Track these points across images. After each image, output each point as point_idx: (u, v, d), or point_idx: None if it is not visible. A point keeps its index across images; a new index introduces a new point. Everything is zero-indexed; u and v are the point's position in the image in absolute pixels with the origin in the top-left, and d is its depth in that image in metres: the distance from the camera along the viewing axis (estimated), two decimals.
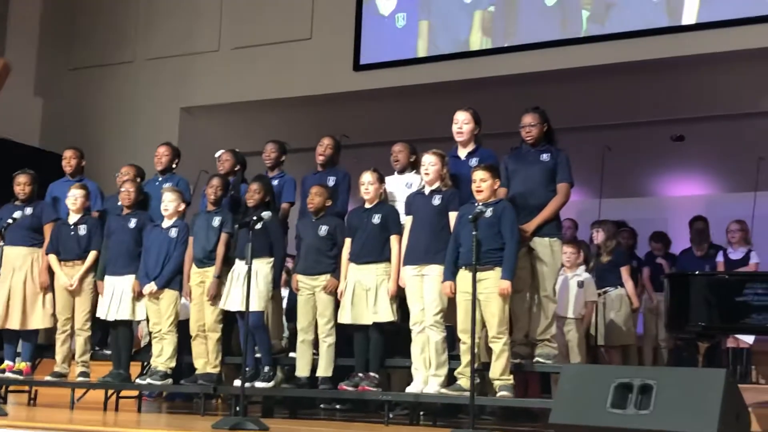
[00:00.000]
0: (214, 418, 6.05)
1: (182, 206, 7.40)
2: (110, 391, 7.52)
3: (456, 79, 10.32)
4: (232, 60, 11.63)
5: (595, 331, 8.02)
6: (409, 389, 6.27)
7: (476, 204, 6.00)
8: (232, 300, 6.84)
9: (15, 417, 6.18)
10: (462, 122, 6.60)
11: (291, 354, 7.05)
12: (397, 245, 6.49)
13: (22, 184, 7.79)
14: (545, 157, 6.34)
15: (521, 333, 6.29)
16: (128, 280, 7.33)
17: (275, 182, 7.35)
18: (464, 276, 5.94)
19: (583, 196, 10.83)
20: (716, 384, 4.38)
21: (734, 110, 10.27)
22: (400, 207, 6.68)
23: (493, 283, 5.92)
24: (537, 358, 6.21)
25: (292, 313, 7.28)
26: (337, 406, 7.83)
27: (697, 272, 7.59)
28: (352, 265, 6.60)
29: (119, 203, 7.60)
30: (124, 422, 6.40)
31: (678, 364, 8.30)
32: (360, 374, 6.49)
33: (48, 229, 7.74)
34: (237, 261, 6.91)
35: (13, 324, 7.62)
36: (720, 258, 8.66)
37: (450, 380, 6.14)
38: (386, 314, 6.44)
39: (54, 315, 7.66)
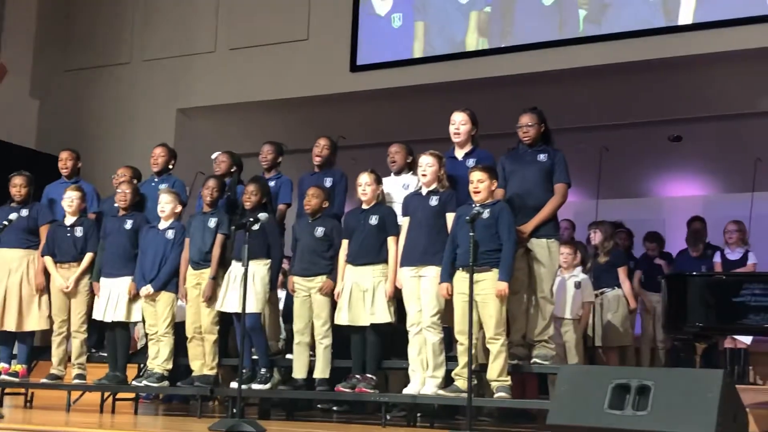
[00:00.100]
0: (210, 420, 6.04)
1: (179, 208, 7.39)
2: (106, 393, 7.50)
3: (453, 80, 10.31)
4: (229, 61, 11.62)
5: (593, 332, 8.02)
6: (406, 391, 6.26)
7: (473, 205, 5.99)
8: (229, 301, 6.83)
9: (11, 419, 6.16)
10: (459, 123, 6.59)
11: (288, 356, 7.04)
12: (394, 246, 6.48)
13: (17, 185, 7.78)
14: (542, 157, 6.34)
15: (519, 334, 6.29)
16: (124, 282, 7.31)
17: (272, 183, 7.34)
18: (461, 277, 5.93)
19: (580, 196, 10.83)
20: (714, 385, 4.37)
21: (731, 111, 10.28)
22: (397, 208, 6.67)
23: (490, 284, 5.91)
24: (534, 359, 6.20)
25: (289, 314, 7.26)
26: (334, 408, 7.82)
27: (694, 273, 7.58)
28: (349, 266, 6.58)
29: (116, 205, 7.59)
30: (120, 424, 6.38)
31: (675, 365, 8.28)
32: (357, 376, 6.48)
33: (44, 230, 7.73)
34: (233, 262, 6.89)
35: (9, 326, 7.60)
36: (717, 258, 8.66)
37: (447, 381, 6.13)
38: (383, 315, 6.43)
39: (50, 317, 7.64)
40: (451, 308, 6.10)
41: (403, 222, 6.48)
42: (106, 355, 7.56)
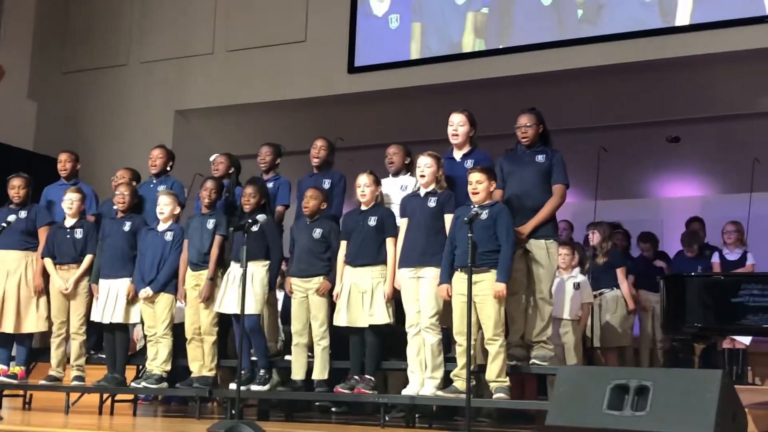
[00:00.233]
0: (209, 422, 6.03)
1: (177, 209, 7.39)
2: (105, 395, 7.49)
3: (451, 81, 10.32)
4: (227, 63, 11.63)
5: (591, 332, 8.02)
6: (405, 392, 6.26)
7: (472, 206, 5.99)
8: (228, 302, 6.82)
9: (10, 421, 6.16)
10: (457, 124, 6.59)
11: (287, 357, 7.04)
12: (393, 247, 6.48)
13: (16, 187, 7.77)
14: (540, 158, 6.34)
15: (517, 335, 6.29)
16: (123, 283, 7.30)
17: (270, 185, 7.34)
18: (460, 278, 5.93)
19: (578, 197, 10.84)
20: (713, 385, 4.37)
21: (729, 111, 10.29)
22: (395, 209, 6.67)
23: (488, 285, 5.91)
24: (533, 360, 6.20)
25: (287, 316, 7.26)
26: (333, 409, 7.82)
27: (693, 273, 7.58)
28: (348, 267, 6.58)
29: (114, 207, 7.58)
30: (119, 426, 6.38)
31: (674, 366, 8.29)
32: (356, 377, 6.48)
33: (42, 232, 7.72)
34: (232, 263, 6.89)
35: (7, 328, 7.59)
36: (716, 259, 8.67)
37: (446, 382, 6.12)
38: (382, 317, 6.43)
39: (48, 319, 7.64)
40: (449, 309, 6.10)
41: (402, 223, 6.48)
42: (104, 356, 7.55)
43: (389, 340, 6.61)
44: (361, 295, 6.48)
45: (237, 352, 6.63)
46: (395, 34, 10.80)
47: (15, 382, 7.61)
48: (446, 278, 6.06)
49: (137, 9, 12.31)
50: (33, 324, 7.66)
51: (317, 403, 7.75)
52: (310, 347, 6.80)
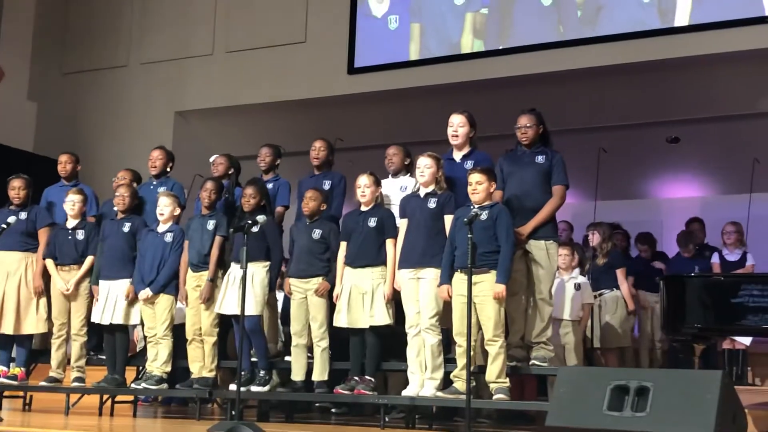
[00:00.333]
0: (209, 423, 6.03)
1: (177, 210, 7.39)
2: (105, 396, 7.49)
3: (451, 82, 10.32)
4: (227, 64, 11.63)
5: (591, 333, 8.01)
6: (405, 392, 6.26)
7: (472, 207, 5.99)
8: (228, 303, 6.82)
9: (10, 422, 6.16)
10: (457, 125, 6.59)
11: (287, 358, 7.04)
12: (392, 248, 6.48)
13: (16, 188, 7.77)
14: (540, 159, 6.33)
15: (517, 336, 6.29)
16: (123, 285, 7.31)
17: (270, 186, 7.34)
18: (460, 279, 5.93)
19: (578, 198, 10.84)
20: (713, 386, 4.37)
21: (729, 112, 10.29)
22: (395, 210, 6.67)
23: (488, 286, 5.91)
24: (533, 361, 6.20)
25: (287, 316, 7.26)
26: (333, 410, 7.82)
27: (693, 274, 7.58)
28: (348, 268, 6.58)
29: (115, 208, 7.59)
30: (119, 427, 6.38)
31: (674, 366, 8.28)
32: (356, 378, 6.48)
33: (42, 233, 7.72)
34: (233, 264, 6.89)
35: (7, 329, 7.59)
36: (716, 259, 8.67)
37: (446, 383, 6.12)
38: (383, 318, 6.43)
39: (48, 320, 7.64)
40: (449, 310, 6.10)
41: (402, 224, 6.48)
42: (104, 357, 7.55)
43: (389, 341, 6.61)
44: (361, 296, 6.48)
45: (237, 353, 6.64)
46: (394, 35, 10.80)
47: (15, 383, 7.61)
48: (446, 279, 6.06)
49: (137, 10, 12.30)
50: (33, 325, 7.66)
51: (317, 404, 7.77)
52: (310, 348, 6.80)
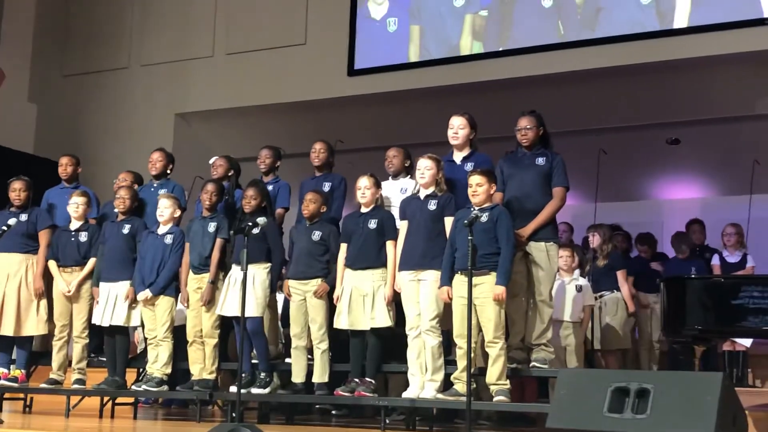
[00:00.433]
0: (210, 425, 6.03)
1: (178, 212, 7.39)
2: (106, 398, 7.49)
3: (450, 84, 10.32)
4: (227, 66, 11.63)
5: (591, 335, 8.01)
6: (405, 394, 6.26)
7: (472, 209, 5.99)
8: (229, 305, 6.82)
9: (10, 424, 6.15)
10: (458, 127, 6.59)
11: (287, 359, 7.04)
12: (393, 250, 6.48)
13: (17, 190, 7.77)
14: (541, 160, 6.33)
15: (518, 337, 6.28)
16: (123, 286, 7.30)
17: (270, 187, 7.34)
18: (460, 281, 5.93)
19: (578, 199, 10.84)
20: (713, 387, 4.37)
21: (729, 113, 10.29)
22: (395, 212, 6.67)
23: (488, 287, 5.90)
24: (533, 363, 6.19)
25: (287, 318, 7.26)
26: (333, 412, 7.82)
27: (693, 276, 7.58)
28: (348, 270, 6.58)
29: (115, 210, 7.59)
30: (119, 429, 6.38)
31: (674, 368, 8.28)
32: (356, 379, 6.47)
33: (43, 235, 7.72)
34: (233, 266, 6.88)
35: (7, 331, 7.59)
36: (716, 261, 8.67)
37: (446, 385, 6.12)
38: (383, 320, 6.43)
39: (48, 322, 7.64)
40: (450, 312, 6.10)
41: (402, 226, 6.48)
42: (105, 359, 7.54)
43: (389, 342, 6.61)
44: (362, 298, 6.48)
45: (237, 354, 6.65)
46: (394, 37, 10.81)
47: (15, 385, 7.60)
48: (447, 281, 6.05)
49: (137, 12, 12.31)
50: (33, 327, 7.66)
51: (317, 406, 7.78)
52: (310, 350, 6.80)
